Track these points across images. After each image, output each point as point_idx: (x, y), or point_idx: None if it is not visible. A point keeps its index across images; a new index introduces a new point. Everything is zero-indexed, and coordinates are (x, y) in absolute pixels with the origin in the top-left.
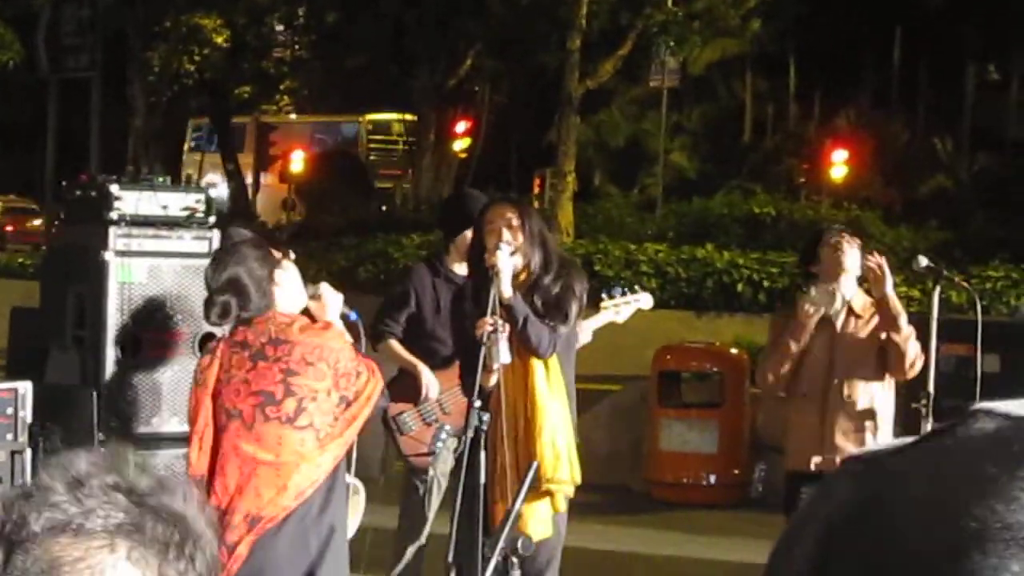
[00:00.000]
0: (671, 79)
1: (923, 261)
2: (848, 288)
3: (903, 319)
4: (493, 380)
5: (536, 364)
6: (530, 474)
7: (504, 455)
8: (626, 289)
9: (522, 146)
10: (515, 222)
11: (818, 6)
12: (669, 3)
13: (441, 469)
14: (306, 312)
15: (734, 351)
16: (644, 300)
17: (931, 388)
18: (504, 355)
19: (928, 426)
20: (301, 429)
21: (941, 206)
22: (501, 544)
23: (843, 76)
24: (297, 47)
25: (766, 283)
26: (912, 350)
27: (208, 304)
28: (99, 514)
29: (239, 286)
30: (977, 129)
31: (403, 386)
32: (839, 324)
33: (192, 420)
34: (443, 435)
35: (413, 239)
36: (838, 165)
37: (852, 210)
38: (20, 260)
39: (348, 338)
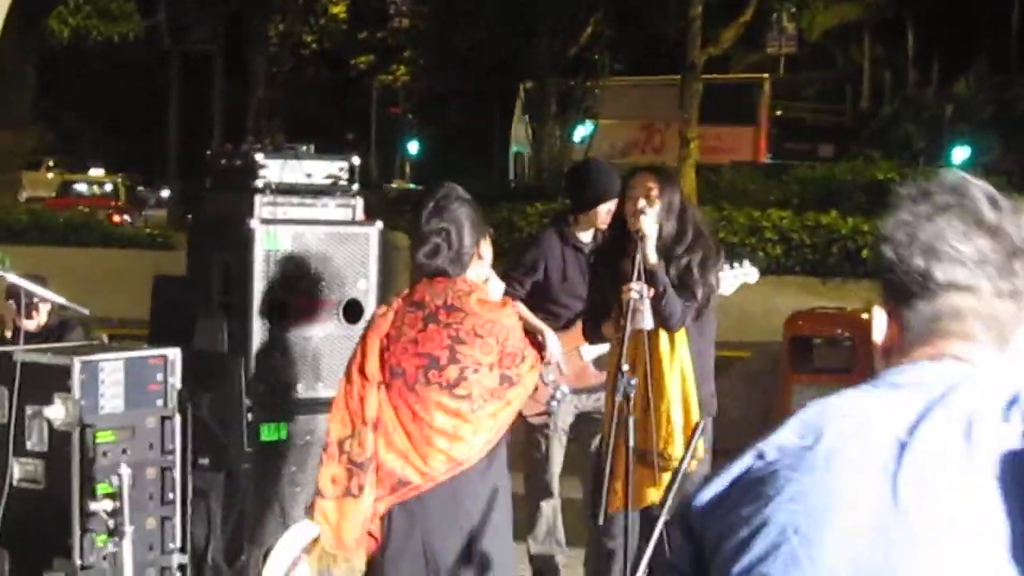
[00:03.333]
0: (788, 45)
1: None
2: None
3: None
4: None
5: (662, 335)
6: (698, 433)
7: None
8: (734, 263)
9: None
10: (654, 192)
11: None
12: None
13: (561, 425)
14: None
15: (865, 316)
16: (751, 274)
17: None
18: (648, 320)
19: None
20: (459, 399)
21: None
22: (669, 504)
23: (961, 41)
24: (415, 17)
25: None
26: None
27: (420, 241)
28: None
29: (450, 239)
30: None
31: None
32: None
33: (361, 364)
34: (559, 393)
35: (537, 208)
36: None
37: (977, 175)
38: (148, 231)
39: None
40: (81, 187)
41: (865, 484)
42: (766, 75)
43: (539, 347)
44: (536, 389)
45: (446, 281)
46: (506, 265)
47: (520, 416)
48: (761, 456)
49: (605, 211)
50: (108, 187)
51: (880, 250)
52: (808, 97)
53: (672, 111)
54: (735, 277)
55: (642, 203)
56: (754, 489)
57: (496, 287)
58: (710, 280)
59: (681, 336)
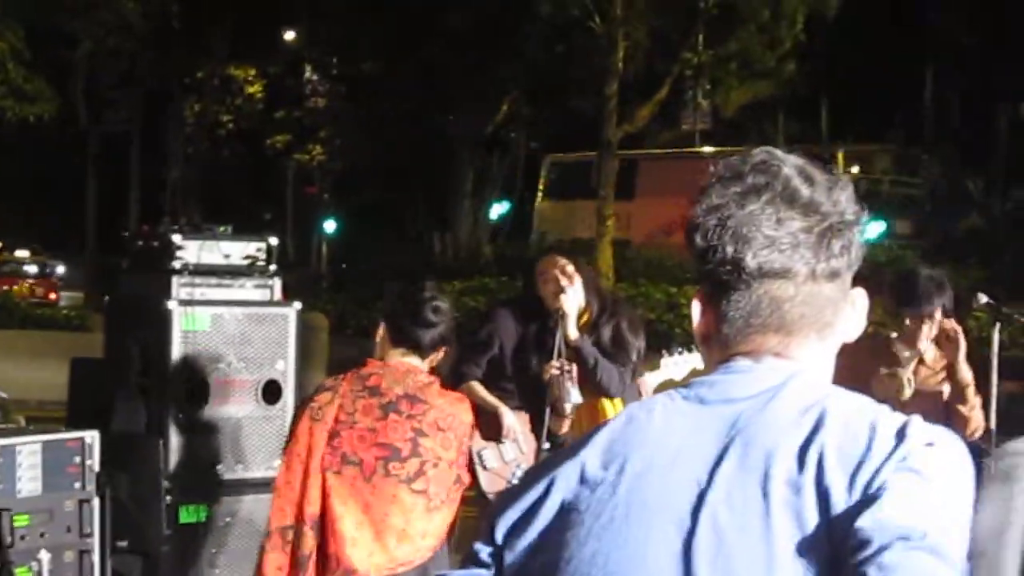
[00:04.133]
0: (703, 121)
1: (983, 298)
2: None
3: (971, 390)
4: (567, 426)
5: (606, 405)
6: None
7: None
8: (683, 349)
9: None
10: (569, 269)
11: (850, 48)
12: (702, 46)
13: None
14: None
15: None
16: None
17: (992, 426)
18: (575, 396)
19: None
20: (416, 493)
21: (976, 244)
22: None
23: (875, 117)
24: (332, 96)
25: None
26: (976, 419)
27: (415, 312)
28: None
29: (449, 338)
30: (1010, 168)
31: (484, 425)
32: (912, 376)
33: (307, 456)
34: (519, 471)
35: (455, 285)
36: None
37: (893, 250)
38: (65, 312)
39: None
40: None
41: (661, 550)
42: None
43: (496, 424)
44: (498, 468)
45: (403, 368)
46: (460, 347)
47: (481, 495)
48: (570, 481)
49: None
50: (34, 268)
51: (692, 238)
52: None
53: None
54: (686, 362)
55: (564, 282)
56: (556, 533)
57: None
58: (638, 345)
59: (611, 405)
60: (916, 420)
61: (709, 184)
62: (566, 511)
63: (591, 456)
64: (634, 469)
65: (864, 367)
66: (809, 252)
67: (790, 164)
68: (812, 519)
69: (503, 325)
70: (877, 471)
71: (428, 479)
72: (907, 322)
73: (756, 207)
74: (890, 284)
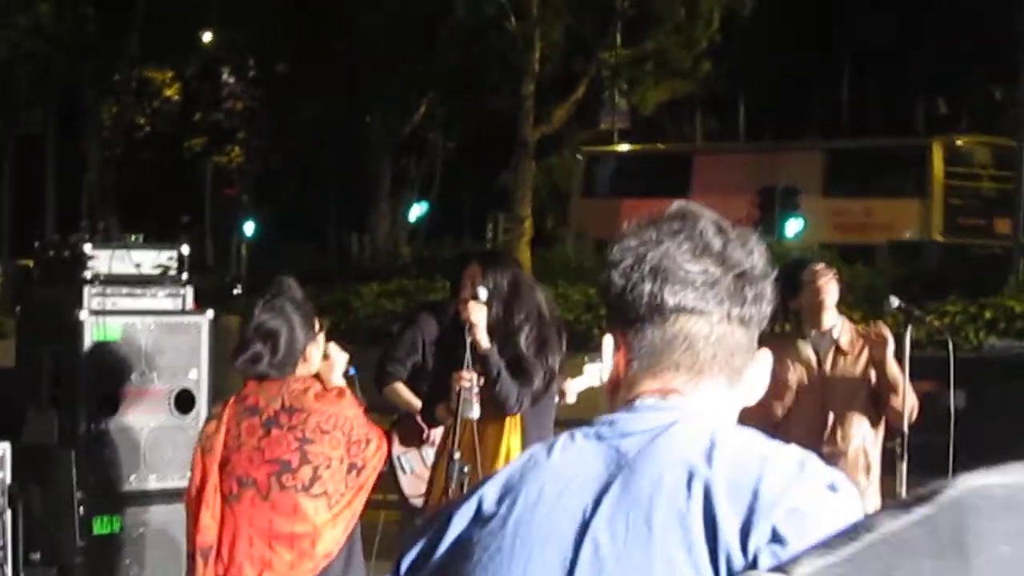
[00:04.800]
0: (622, 121)
1: (895, 302)
2: (831, 322)
3: (901, 385)
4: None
5: (509, 419)
6: None
7: None
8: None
9: (474, 190)
10: (478, 279)
11: (766, 45)
12: (619, 46)
13: None
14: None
15: None
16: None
17: (905, 428)
18: (475, 410)
19: (903, 466)
20: (316, 497)
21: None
22: None
23: (792, 114)
24: (250, 97)
25: None
26: (909, 406)
27: (240, 348)
28: None
29: (276, 343)
30: None
31: (407, 428)
32: (828, 364)
33: (199, 487)
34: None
35: (372, 288)
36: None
37: (813, 248)
38: None
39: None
40: None
41: None
42: (936, 138)
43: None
44: (419, 471)
45: (279, 382)
46: (385, 347)
47: (403, 499)
48: (465, 517)
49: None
50: None
51: (608, 277)
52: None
53: (795, 178)
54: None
55: (477, 291)
56: (448, 568)
57: (339, 359)
58: (550, 363)
59: (514, 422)
60: (814, 458)
61: (626, 232)
62: (460, 546)
63: (489, 492)
64: (525, 502)
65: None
66: (724, 294)
67: (705, 217)
68: (700, 550)
69: (426, 329)
70: (772, 506)
71: (324, 481)
72: (801, 298)
73: (673, 246)
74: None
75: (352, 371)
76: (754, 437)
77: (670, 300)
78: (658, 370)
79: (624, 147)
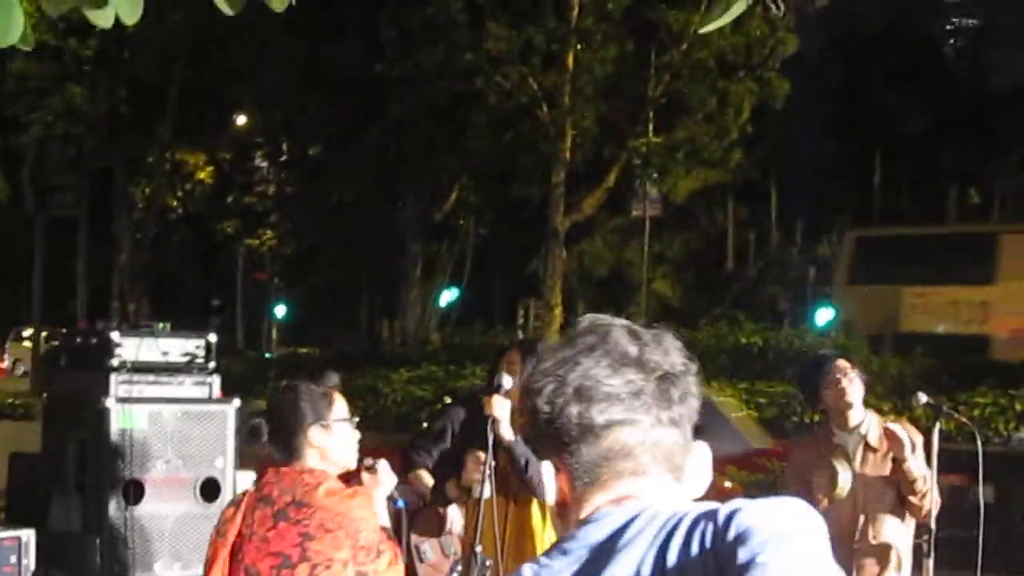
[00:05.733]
0: (653, 208)
1: (923, 398)
2: (858, 419)
3: (920, 483)
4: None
5: (534, 506)
6: None
7: None
8: None
9: (505, 277)
10: (515, 367)
11: (798, 133)
12: (650, 134)
13: None
14: (357, 472)
15: (728, 484)
16: None
17: (932, 524)
18: (485, 490)
19: (930, 563)
20: None
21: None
22: None
23: (824, 201)
24: (282, 181)
25: (754, 413)
26: (928, 504)
27: (245, 423)
28: None
29: (275, 417)
30: None
31: (427, 517)
32: (858, 462)
33: (207, 572)
34: (460, 567)
35: (402, 374)
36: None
37: (839, 338)
38: (10, 401)
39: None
40: None
41: None
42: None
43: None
44: (436, 561)
45: (294, 474)
46: (414, 436)
47: None
48: None
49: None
50: None
51: (533, 404)
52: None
53: None
54: None
55: (507, 379)
56: None
57: (387, 479)
58: None
59: (549, 512)
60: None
61: (543, 355)
62: None
63: None
64: None
65: (808, 464)
66: (651, 399)
67: (618, 326)
68: None
69: (455, 420)
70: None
71: None
72: (825, 398)
73: (591, 363)
74: (795, 376)
75: (400, 503)
76: (695, 505)
77: (599, 418)
78: (604, 481)
79: (891, 228)
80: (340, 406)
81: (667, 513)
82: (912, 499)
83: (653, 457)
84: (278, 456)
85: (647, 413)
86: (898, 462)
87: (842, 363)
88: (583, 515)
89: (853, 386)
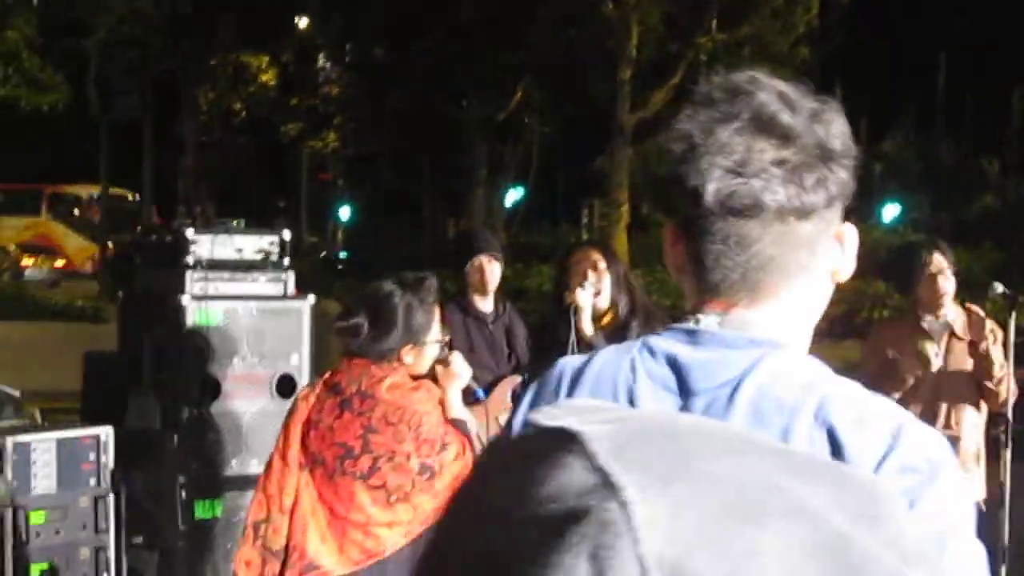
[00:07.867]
0: None
1: (999, 288)
2: (948, 312)
3: (998, 368)
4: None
5: None
6: None
7: None
8: None
9: (570, 176)
10: (601, 265)
11: (864, 32)
12: (715, 31)
13: None
14: (432, 370)
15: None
16: None
17: (1009, 414)
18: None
19: (1008, 453)
20: (373, 489)
21: (991, 227)
22: None
23: (888, 102)
24: (346, 83)
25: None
26: (1004, 392)
27: (342, 315)
28: None
29: (379, 320)
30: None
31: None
32: (943, 349)
33: (283, 447)
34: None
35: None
36: (888, 189)
37: (906, 233)
38: (80, 302)
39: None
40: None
41: None
42: None
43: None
44: None
45: (363, 364)
46: None
47: None
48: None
49: (475, 269)
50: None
51: (665, 164)
52: None
53: None
54: None
55: (592, 277)
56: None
57: (462, 371)
58: None
59: None
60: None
61: (685, 109)
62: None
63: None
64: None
65: (892, 348)
66: (778, 186)
67: (770, 89)
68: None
69: (450, 322)
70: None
71: (383, 473)
72: (920, 291)
73: (724, 135)
74: (887, 264)
75: (480, 394)
76: (863, 393)
77: (712, 198)
78: (715, 279)
79: None
80: (435, 327)
81: (797, 385)
82: (988, 384)
83: (771, 257)
84: (366, 354)
85: (772, 199)
86: (977, 345)
87: (938, 259)
88: (694, 303)
89: (949, 283)
